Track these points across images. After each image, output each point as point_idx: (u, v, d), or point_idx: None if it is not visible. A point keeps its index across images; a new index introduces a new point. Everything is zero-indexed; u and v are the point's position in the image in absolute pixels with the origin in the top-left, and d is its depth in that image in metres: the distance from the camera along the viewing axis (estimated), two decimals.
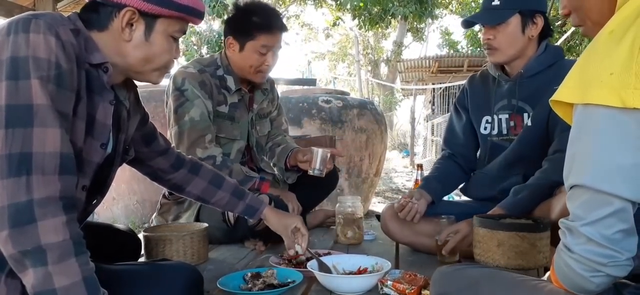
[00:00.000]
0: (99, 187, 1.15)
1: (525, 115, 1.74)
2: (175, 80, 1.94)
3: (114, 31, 1.04)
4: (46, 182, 0.86)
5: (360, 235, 2.07)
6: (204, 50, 7.70)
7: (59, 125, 0.89)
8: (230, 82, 2.03)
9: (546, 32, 1.72)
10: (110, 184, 1.22)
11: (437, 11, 11.68)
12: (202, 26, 8.18)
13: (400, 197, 2.13)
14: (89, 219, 3.19)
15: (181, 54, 7.61)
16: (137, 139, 1.33)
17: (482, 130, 1.87)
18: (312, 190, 2.25)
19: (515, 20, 1.67)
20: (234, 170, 1.87)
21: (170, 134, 1.94)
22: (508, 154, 1.77)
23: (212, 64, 2.03)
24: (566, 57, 1.80)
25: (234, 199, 1.54)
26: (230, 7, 2.31)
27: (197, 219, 1.98)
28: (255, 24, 1.93)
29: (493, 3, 1.70)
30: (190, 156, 1.55)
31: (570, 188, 0.73)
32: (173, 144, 1.87)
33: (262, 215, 1.58)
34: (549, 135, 1.66)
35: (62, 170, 0.88)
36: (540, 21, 1.68)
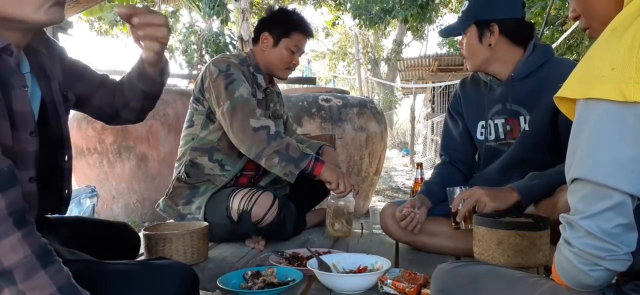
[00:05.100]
0: (58, 142, 1.10)
1: (521, 118, 1.73)
2: (219, 66, 2.00)
3: None
4: None
5: (348, 229, 2.10)
6: (204, 50, 7.70)
7: None
8: (261, 79, 2.14)
9: (528, 34, 1.70)
10: (67, 134, 1.17)
11: (437, 9, 11.70)
12: (201, 26, 8.18)
13: (400, 196, 2.14)
14: (89, 216, 3.16)
15: (180, 54, 7.60)
16: (70, 77, 1.27)
17: (478, 136, 1.86)
18: (312, 190, 2.26)
19: (471, 31, 1.71)
20: (291, 144, 1.91)
21: (219, 113, 1.97)
22: (506, 157, 1.77)
23: (244, 61, 2.11)
24: (566, 56, 1.79)
25: (128, 78, 1.38)
26: (270, 8, 2.42)
27: (204, 213, 2.00)
28: (293, 23, 2.10)
29: (459, 15, 1.78)
30: None
31: (572, 182, 0.74)
32: (226, 121, 1.93)
33: (141, 59, 1.32)
34: (560, 136, 1.63)
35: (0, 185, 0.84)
36: (495, 29, 1.67)
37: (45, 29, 1.18)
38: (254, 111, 1.93)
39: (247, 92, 1.96)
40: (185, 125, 2.15)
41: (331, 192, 2.02)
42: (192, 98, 2.13)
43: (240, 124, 1.89)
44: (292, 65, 2.14)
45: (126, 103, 1.41)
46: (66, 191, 1.23)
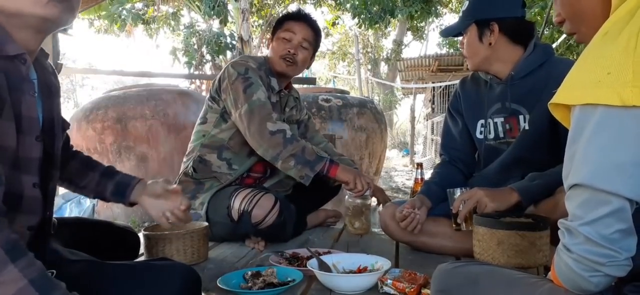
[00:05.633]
0: (48, 160, 1.10)
1: (521, 117, 1.73)
2: (238, 68, 2.03)
3: None
4: None
5: (367, 226, 2.13)
6: (204, 51, 7.70)
7: None
8: (274, 82, 2.14)
9: (528, 33, 1.71)
10: (58, 156, 1.17)
11: (439, 9, 11.71)
12: (202, 26, 8.18)
13: (400, 196, 2.15)
14: (89, 217, 3.16)
15: (182, 54, 7.61)
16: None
17: (477, 135, 1.86)
18: (315, 192, 2.26)
19: (472, 30, 1.72)
20: (306, 148, 1.94)
21: (237, 115, 1.99)
22: (506, 157, 1.76)
23: (262, 65, 2.13)
24: (565, 56, 1.80)
25: (103, 179, 1.42)
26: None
27: (206, 210, 2.01)
28: (286, 15, 2.19)
29: (460, 15, 1.78)
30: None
31: (570, 188, 0.73)
32: (244, 124, 1.95)
33: (133, 192, 1.41)
34: (559, 135, 1.63)
35: None
36: (495, 28, 1.68)
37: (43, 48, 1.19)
38: (271, 115, 1.95)
39: (264, 96, 1.98)
40: (198, 121, 2.18)
41: (348, 192, 2.03)
42: (208, 96, 2.16)
43: (257, 127, 1.92)
44: (286, 55, 2.08)
45: (80, 185, 1.41)
46: (48, 213, 1.18)
